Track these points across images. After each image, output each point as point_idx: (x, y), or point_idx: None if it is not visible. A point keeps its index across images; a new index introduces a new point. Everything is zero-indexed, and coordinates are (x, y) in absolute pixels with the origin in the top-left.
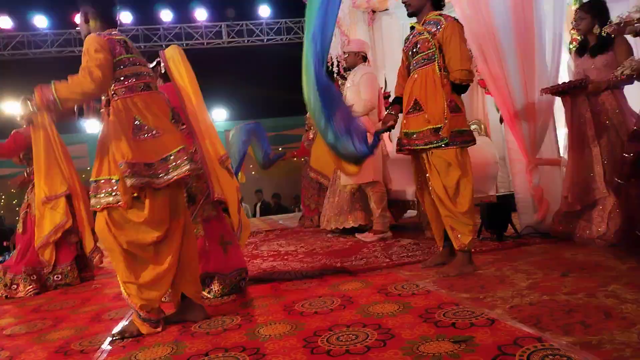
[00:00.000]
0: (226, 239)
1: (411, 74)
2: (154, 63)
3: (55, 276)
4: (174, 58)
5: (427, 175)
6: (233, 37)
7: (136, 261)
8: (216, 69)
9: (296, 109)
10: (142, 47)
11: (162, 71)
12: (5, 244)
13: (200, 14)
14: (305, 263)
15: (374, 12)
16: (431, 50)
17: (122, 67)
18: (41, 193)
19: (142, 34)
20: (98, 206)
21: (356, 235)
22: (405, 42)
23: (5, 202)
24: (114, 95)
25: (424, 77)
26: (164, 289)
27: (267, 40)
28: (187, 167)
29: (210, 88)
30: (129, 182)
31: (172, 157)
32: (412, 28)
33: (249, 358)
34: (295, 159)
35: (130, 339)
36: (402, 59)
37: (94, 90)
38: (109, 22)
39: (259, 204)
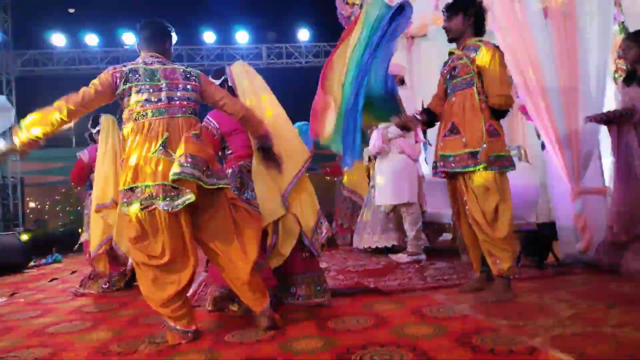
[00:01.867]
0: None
1: (449, 97)
2: (220, 80)
3: (104, 284)
4: (239, 76)
5: (465, 199)
6: (272, 59)
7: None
8: None
9: None
10: (185, 65)
11: (227, 87)
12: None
13: (242, 37)
14: (338, 281)
15: (412, 37)
16: (469, 75)
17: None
18: (94, 201)
19: (186, 53)
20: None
21: (389, 255)
22: (444, 66)
23: (49, 208)
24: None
25: (462, 100)
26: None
27: (306, 62)
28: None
29: None
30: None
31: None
32: (451, 54)
33: None
34: (328, 177)
35: (166, 345)
36: (440, 82)
37: None
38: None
39: None
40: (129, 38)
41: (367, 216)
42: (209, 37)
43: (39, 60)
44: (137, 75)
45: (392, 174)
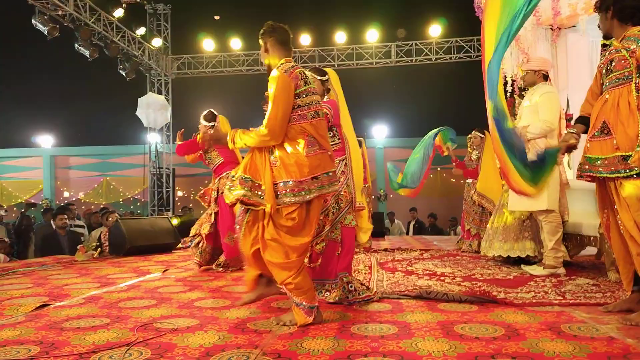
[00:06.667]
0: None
1: (602, 94)
2: (325, 77)
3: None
4: (332, 80)
5: (615, 207)
6: (401, 57)
7: None
8: (381, 87)
9: (461, 129)
10: (316, 66)
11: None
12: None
13: (372, 36)
14: (464, 287)
15: (559, 28)
16: (627, 70)
17: (297, 98)
18: None
19: (317, 54)
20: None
21: (522, 266)
22: (601, 59)
23: (194, 197)
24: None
25: (617, 99)
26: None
27: (436, 59)
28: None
29: (372, 105)
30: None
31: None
32: (605, 45)
33: None
34: (453, 180)
35: (297, 328)
36: (596, 76)
37: (268, 142)
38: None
39: (412, 222)
40: None
41: (499, 222)
42: (340, 37)
43: (192, 64)
44: (306, 78)
45: None
